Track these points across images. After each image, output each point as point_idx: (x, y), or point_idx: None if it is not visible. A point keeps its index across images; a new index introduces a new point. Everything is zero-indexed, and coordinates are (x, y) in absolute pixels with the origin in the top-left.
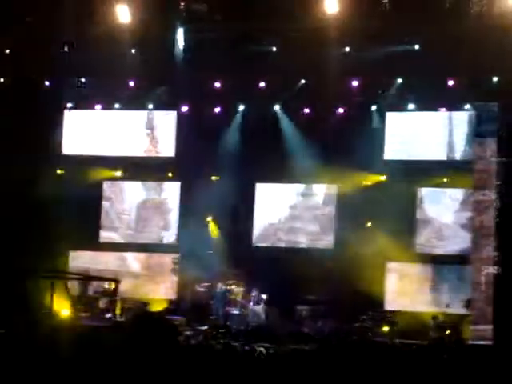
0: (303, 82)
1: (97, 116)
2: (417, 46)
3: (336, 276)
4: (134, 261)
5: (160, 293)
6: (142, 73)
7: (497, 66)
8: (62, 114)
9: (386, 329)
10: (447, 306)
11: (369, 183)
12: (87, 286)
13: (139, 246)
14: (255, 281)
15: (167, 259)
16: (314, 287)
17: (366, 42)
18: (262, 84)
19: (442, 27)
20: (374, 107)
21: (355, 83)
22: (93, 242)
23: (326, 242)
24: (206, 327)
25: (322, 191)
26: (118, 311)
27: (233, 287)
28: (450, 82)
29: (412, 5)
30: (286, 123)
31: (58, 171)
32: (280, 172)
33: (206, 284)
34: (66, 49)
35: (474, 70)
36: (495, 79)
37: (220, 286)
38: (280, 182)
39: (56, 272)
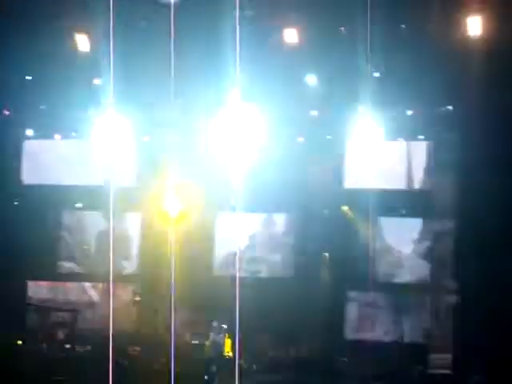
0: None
1: (56, 145)
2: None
3: (297, 305)
4: (93, 291)
5: (120, 323)
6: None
7: (454, 95)
8: (21, 142)
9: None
10: (400, 331)
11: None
12: (46, 317)
13: (99, 276)
14: (216, 310)
15: (127, 289)
16: (275, 316)
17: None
18: None
19: (400, 56)
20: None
21: (315, 113)
22: (52, 273)
23: (286, 271)
24: None
25: (281, 221)
26: (76, 342)
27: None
28: (409, 112)
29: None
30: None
31: (16, 202)
32: (240, 201)
33: (166, 315)
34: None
35: (432, 100)
36: (452, 107)
37: (182, 317)
38: (240, 212)
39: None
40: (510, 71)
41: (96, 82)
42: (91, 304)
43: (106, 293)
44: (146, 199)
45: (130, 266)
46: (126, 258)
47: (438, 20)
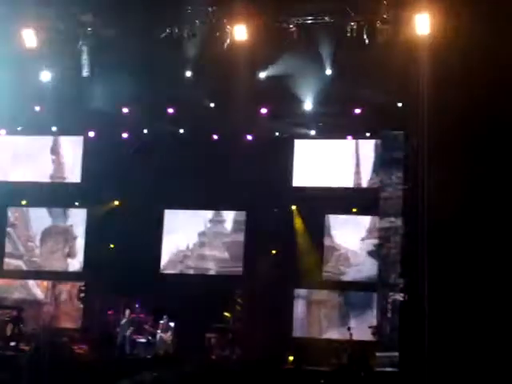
0: (212, 106)
1: (1, 141)
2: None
3: (245, 303)
4: (38, 289)
5: (66, 321)
6: (49, 97)
7: (401, 93)
8: None
9: (291, 358)
10: (349, 329)
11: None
12: None
13: (44, 273)
14: (163, 308)
15: (73, 287)
16: (223, 315)
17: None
18: (171, 110)
19: (348, 55)
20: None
21: (264, 110)
22: None
23: (235, 269)
24: None
25: (230, 218)
26: (22, 340)
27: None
28: (357, 110)
29: (320, 32)
30: (193, 149)
31: None
32: (189, 198)
33: (112, 312)
34: None
35: (380, 98)
36: (400, 106)
37: (126, 314)
38: (189, 209)
39: None
40: (459, 69)
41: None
42: (36, 301)
43: (51, 290)
44: (92, 195)
45: (75, 263)
46: (71, 255)
47: (388, 18)
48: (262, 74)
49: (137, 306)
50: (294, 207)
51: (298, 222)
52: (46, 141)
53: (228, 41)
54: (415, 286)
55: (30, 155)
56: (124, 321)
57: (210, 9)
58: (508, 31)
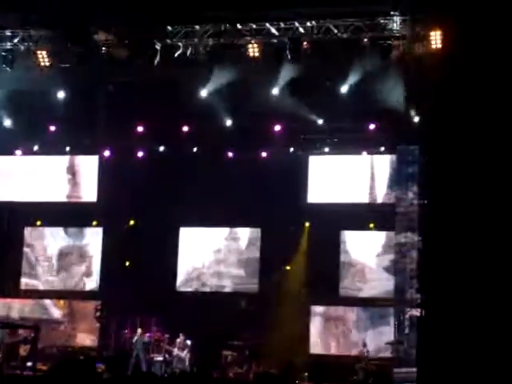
0: (228, 125)
1: (17, 161)
2: (344, 89)
3: (261, 320)
4: (55, 308)
5: (82, 340)
6: (64, 116)
7: (416, 108)
8: None
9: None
10: (365, 345)
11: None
12: (7, 334)
13: (61, 292)
14: (180, 326)
15: (89, 306)
16: (240, 332)
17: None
18: (186, 128)
19: (362, 70)
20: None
21: (278, 127)
22: (13, 289)
23: (251, 285)
24: None
25: (246, 235)
26: (39, 359)
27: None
28: (372, 126)
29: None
30: (209, 166)
31: None
32: (204, 216)
33: (129, 331)
34: None
35: (395, 113)
36: (415, 120)
37: (142, 333)
38: (204, 226)
39: None
40: (472, 84)
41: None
42: (53, 321)
43: (67, 309)
44: (108, 214)
45: (91, 282)
46: (87, 274)
47: (401, 34)
48: (276, 91)
49: (153, 324)
50: (307, 224)
51: (304, 241)
52: (62, 160)
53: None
54: (432, 301)
55: (46, 175)
56: (140, 339)
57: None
58: None
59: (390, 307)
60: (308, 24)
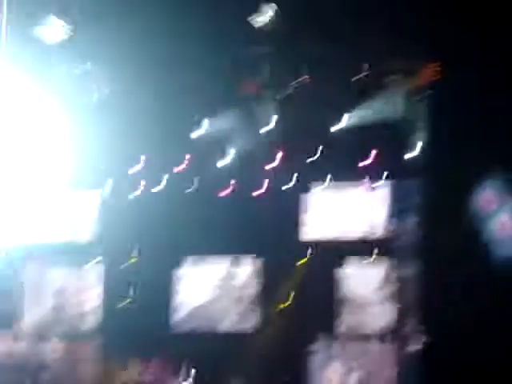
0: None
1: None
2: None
3: (259, 361)
4: (52, 350)
5: (80, 382)
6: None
7: (413, 141)
8: None
9: None
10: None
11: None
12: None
13: (59, 333)
14: (177, 367)
15: (88, 347)
16: (238, 373)
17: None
18: (182, 166)
19: (357, 104)
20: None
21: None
22: (10, 330)
23: (249, 324)
24: None
25: (242, 273)
26: None
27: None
28: (369, 159)
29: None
30: (205, 203)
31: None
32: (201, 253)
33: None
34: None
35: (392, 146)
36: (413, 154)
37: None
38: (201, 265)
39: None
40: (466, 118)
41: None
42: (50, 363)
43: (65, 351)
44: (108, 251)
45: (90, 323)
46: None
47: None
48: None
49: (150, 365)
50: (303, 260)
51: (301, 278)
52: (61, 196)
53: None
54: (434, 332)
55: (46, 212)
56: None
57: None
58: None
59: (391, 341)
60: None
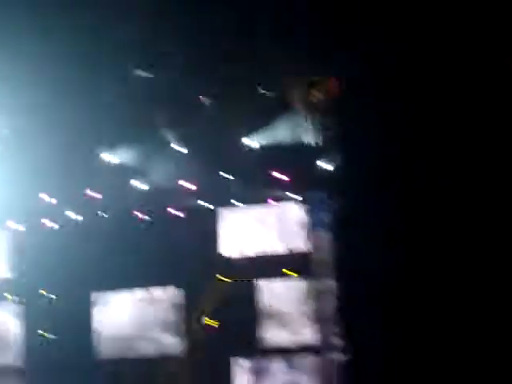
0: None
1: None
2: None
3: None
4: None
5: None
6: None
7: (322, 153)
8: None
9: None
10: None
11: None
12: None
13: None
14: None
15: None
16: None
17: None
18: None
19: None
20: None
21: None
22: None
23: (174, 348)
24: None
25: (163, 295)
26: None
27: None
28: (279, 175)
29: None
30: (119, 230)
31: None
32: (116, 279)
33: None
34: None
35: (301, 160)
36: (321, 167)
37: None
38: (117, 290)
39: None
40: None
41: None
42: None
43: None
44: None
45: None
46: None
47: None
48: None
49: None
50: (221, 277)
51: (218, 294)
52: None
53: None
54: (354, 345)
55: None
56: None
57: None
58: None
59: (315, 354)
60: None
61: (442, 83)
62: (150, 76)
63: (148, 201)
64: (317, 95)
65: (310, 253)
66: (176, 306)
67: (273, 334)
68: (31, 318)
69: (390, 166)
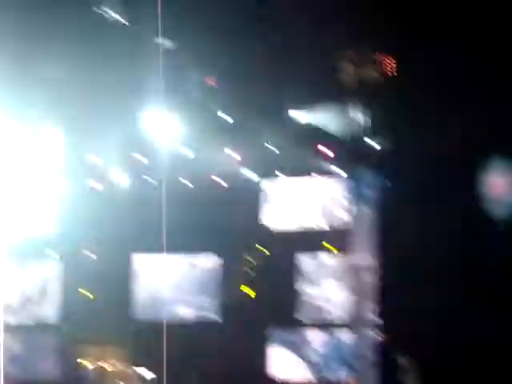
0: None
1: None
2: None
3: (223, 350)
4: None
5: (41, 373)
6: None
7: (368, 130)
8: None
9: None
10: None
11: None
12: None
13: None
14: (139, 358)
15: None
16: (202, 363)
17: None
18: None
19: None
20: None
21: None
22: None
23: (212, 314)
24: None
25: (203, 262)
26: None
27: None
28: (324, 149)
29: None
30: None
31: None
32: (158, 243)
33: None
34: None
35: (346, 135)
36: (368, 143)
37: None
38: (159, 253)
39: None
40: (430, 110)
41: None
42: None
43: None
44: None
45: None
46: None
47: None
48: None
49: (112, 356)
50: (263, 249)
51: (260, 266)
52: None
53: None
54: (390, 322)
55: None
56: (98, 373)
57: None
58: None
59: (350, 331)
60: None
61: (504, 67)
62: None
63: (193, 169)
64: (369, 73)
65: (352, 229)
66: (215, 273)
67: (310, 308)
68: (71, 276)
69: (446, 148)
